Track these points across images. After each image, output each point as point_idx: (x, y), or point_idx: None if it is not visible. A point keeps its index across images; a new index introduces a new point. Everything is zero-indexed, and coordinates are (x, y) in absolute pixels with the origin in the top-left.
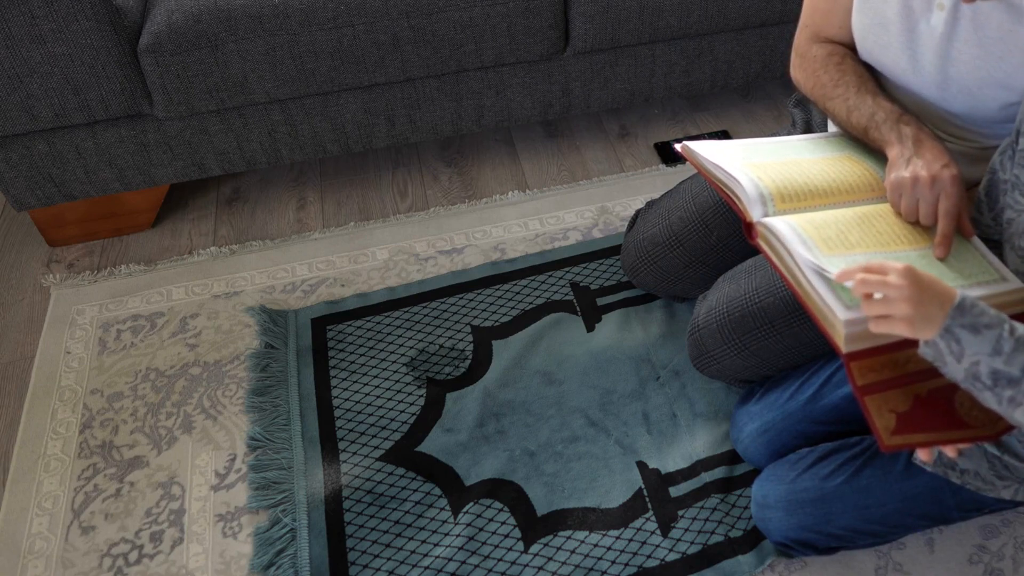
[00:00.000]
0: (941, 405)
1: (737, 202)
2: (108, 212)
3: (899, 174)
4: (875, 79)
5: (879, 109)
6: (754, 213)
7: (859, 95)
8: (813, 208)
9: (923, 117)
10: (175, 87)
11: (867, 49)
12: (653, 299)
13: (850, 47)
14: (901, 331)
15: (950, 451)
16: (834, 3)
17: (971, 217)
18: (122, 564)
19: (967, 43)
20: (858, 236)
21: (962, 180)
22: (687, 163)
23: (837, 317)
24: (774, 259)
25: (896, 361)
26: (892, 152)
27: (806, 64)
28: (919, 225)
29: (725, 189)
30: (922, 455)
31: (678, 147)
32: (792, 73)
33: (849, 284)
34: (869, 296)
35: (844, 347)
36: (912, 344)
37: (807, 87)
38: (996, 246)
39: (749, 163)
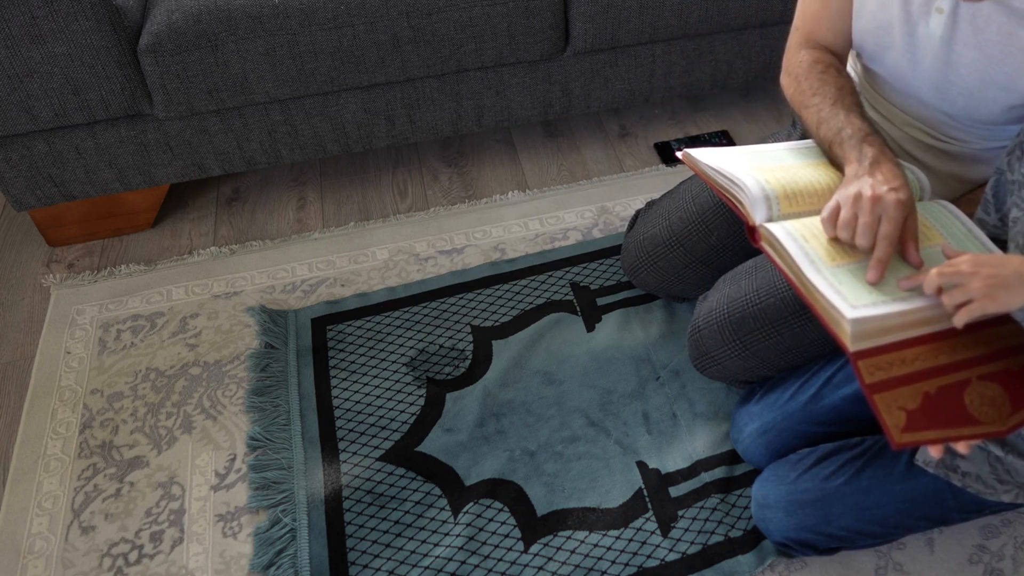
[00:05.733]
0: (951, 402)
1: (740, 207)
2: (108, 212)
3: (846, 190)
4: (854, 95)
5: (848, 125)
6: (757, 216)
7: (833, 108)
8: (817, 211)
9: (923, 120)
10: (175, 87)
11: (868, 52)
12: (653, 299)
13: (840, 53)
14: (992, 309)
15: (961, 447)
16: (824, 6)
17: (977, 218)
18: (122, 564)
19: (967, 46)
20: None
21: (911, 206)
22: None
23: (843, 316)
24: (778, 261)
25: (904, 359)
26: (849, 170)
27: (791, 69)
28: (924, 229)
29: (727, 195)
30: (933, 451)
31: (679, 154)
32: (781, 78)
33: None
34: (940, 291)
35: (851, 346)
36: (918, 343)
37: (788, 92)
38: (1002, 246)
39: (753, 166)
